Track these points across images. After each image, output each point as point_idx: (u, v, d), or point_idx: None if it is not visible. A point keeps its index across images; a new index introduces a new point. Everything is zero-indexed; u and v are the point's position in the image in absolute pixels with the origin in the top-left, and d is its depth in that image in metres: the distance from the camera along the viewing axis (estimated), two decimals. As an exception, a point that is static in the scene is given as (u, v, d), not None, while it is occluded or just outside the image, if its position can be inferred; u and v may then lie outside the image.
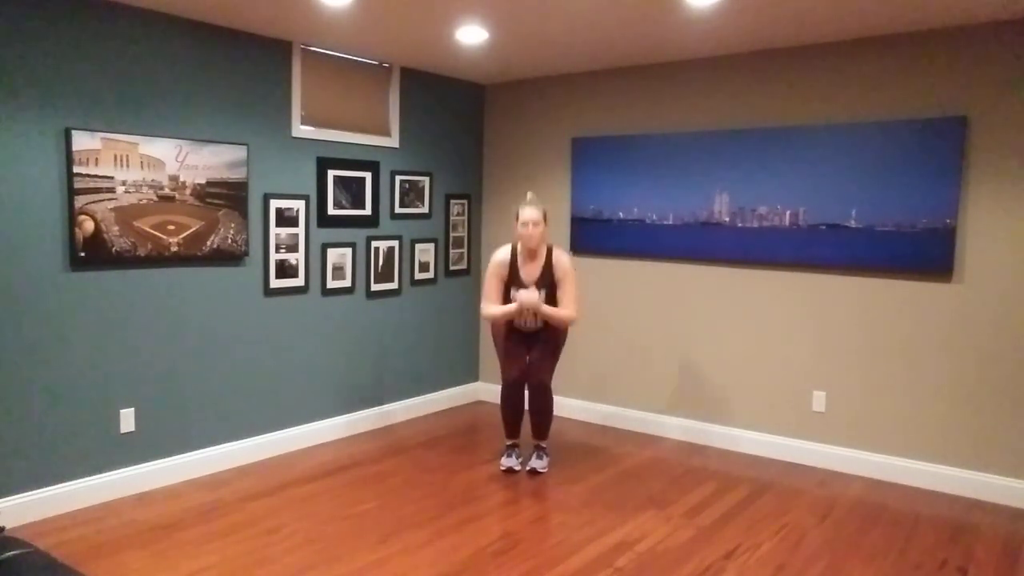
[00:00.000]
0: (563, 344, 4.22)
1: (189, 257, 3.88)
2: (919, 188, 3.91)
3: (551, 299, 4.07)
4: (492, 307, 4.09)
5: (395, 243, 5.04)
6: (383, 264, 4.98)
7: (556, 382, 5.24)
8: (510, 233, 5.53)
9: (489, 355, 5.73)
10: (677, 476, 4.16)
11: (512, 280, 4.10)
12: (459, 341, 5.63)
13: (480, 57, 4.67)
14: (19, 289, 3.34)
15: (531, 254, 4.07)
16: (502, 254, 4.14)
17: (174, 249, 3.81)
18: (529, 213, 4.00)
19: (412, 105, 5.09)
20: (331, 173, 4.59)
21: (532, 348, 4.18)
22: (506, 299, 4.15)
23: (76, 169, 3.41)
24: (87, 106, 3.49)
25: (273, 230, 4.29)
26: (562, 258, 4.09)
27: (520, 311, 4.01)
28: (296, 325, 4.48)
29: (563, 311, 4.01)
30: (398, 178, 5.03)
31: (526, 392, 4.17)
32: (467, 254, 5.62)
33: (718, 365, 4.68)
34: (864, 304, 4.16)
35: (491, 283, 4.12)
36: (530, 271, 4.07)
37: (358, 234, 4.80)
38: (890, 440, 4.12)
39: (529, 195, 4.09)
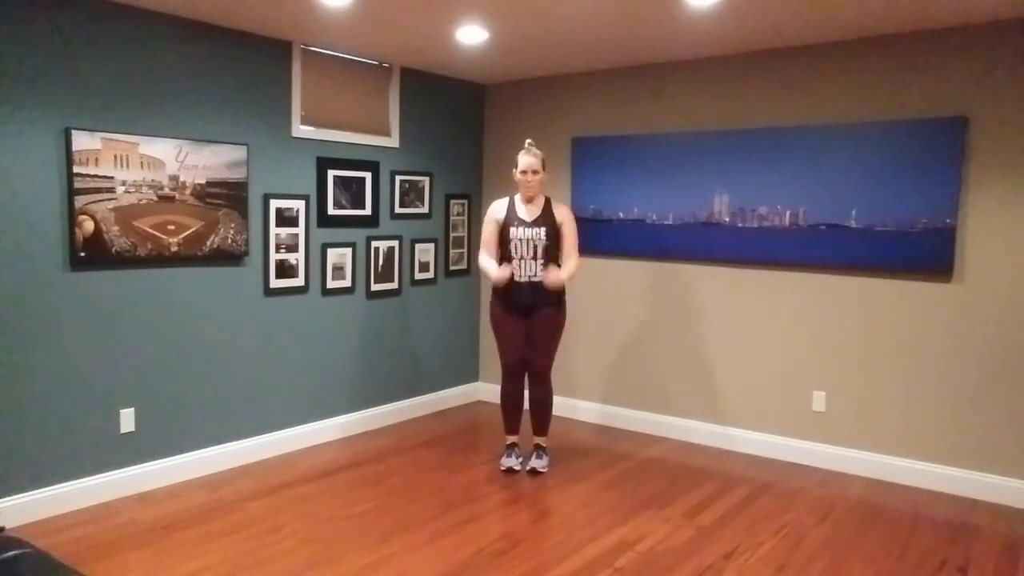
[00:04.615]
0: (562, 327, 4.12)
1: (189, 257, 3.88)
2: (919, 188, 3.91)
3: (551, 239, 4.03)
4: (486, 259, 4.08)
5: (395, 243, 5.04)
6: (383, 264, 4.98)
7: (557, 382, 5.24)
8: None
9: (489, 355, 5.73)
10: (677, 476, 4.16)
11: (510, 219, 4.05)
12: (459, 341, 5.63)
13: (480, 57, 4.67)
14: (19, 289, 3.34)
15: (529, 200, 4.07)
16: (499, 203, 4.15)
17: (174, 249, 3.81)
18: (528, 161, 3.98)
19: (412, 105, 5.09)
20: (331, 173, 4.59)
21: (530, 329, 4.07)
22: (503, 256, 4.08)
23: (76, 169, 3.41)
24: (87, 106, 3.49)
25: (273, 230, 4.29)
26: (563, 206, 4.12)
27: (506, 278, 3.94)
28: (296, 325, 4.48)
29: (568, 267, 4.00)
30: (398, 178, 5.03)
31: (526, 385, 4.16)
32: (467, 254, 5.62)
33: (718, 365, 4.68)
34: (864, 304, 4.16)
35: (487, 229, 4.12)
36: (530, 210, 4.06)
37: (358, 234, 4.80)
38: (890, 440, 4.12)
39: (528, 142, 4.07)
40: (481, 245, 4.16)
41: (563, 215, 4.08)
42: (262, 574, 2.97)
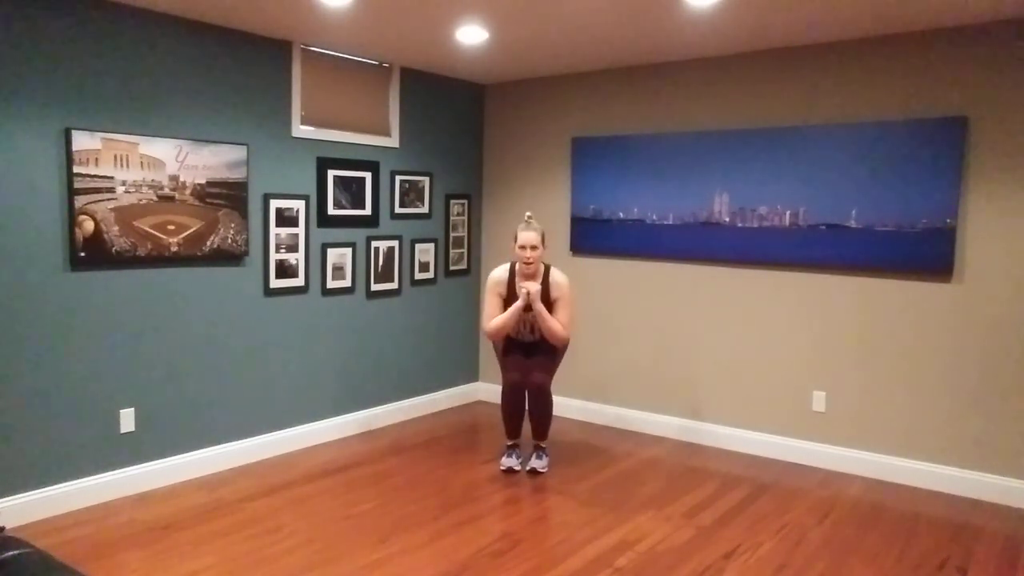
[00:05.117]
0: (563, 353, 4.25)
1: (189, 257, 3.88)
2: (919, 188, 3.91)
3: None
4: (495, 319, 4.09)
5: (395, 243, 5.04)
6: (383, 264, 4.98)
7: (556, 382, 5.24)
8: (510, 233, 5.53)
9: (489, 355, 5.73)
10: (677, 476, 4.16)
11: (510, 300, 4.11)
12: (459, 341, 5.63)
13: (480, 57, 4.67)
14: (19, 289, 3.34)
15: (529, 275, 4.08)
16: (500, 273, 4.16)
17: (174, 249, 3.81)
18: (527, 237, 3.99)
19: (412, 105, 5.09)
20: (331, 173, 4.59)
21: (532, 354, 4.20)
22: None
23: (76, 169, 3.41)
24: (87, 106, 3.49)
25: (273, 230, 4.29)
26: (559, 278, 4.10)
27: (525, 306, 3.99)
28: (296, 325, 4.48)
29: (555, 323, 4.02)
30: (398, 178, 5.03)
31: (526, 394, 4.18)
32: (467, 254, 5.62)
33: (718, 365, 4.68)
34: (864, 304, 4.16)
35: (491, 300, 4.13)
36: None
37: (358, 234, 4.80)
38: (890, 440, 4.12)
39: (527, 215, 4.09)
40: (485, 315, 4.14)
41: (559, 291, 4.07)
42: (262, 574, 2.97)
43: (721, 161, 4.54)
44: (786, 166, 4.31)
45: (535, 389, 4.07)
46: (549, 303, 4.07)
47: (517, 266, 4.12)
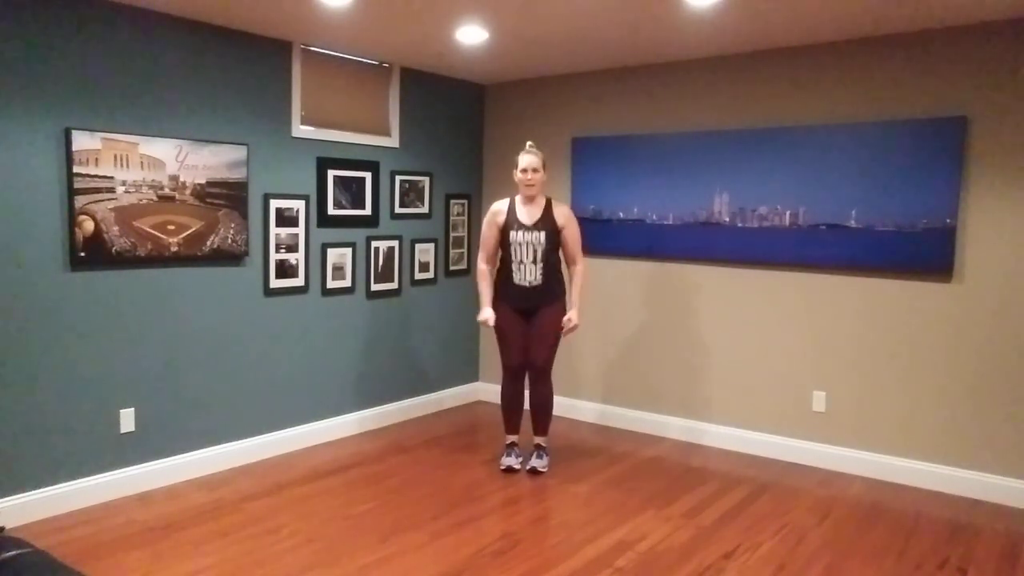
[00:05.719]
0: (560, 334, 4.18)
1: (189, 257, 3.88)
2: (919, 188, 3.91)
3: (552, 243, 4.03)
4: (483, 283, 4.14)
5: (395, 243, 5.04)
6: (383, 264, 4.98)
7: (557, 382, 5.24)
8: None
9: (489, 355, 5.73)
10: (677, 476, 4.16)
11: (510, 222, 4.05)
12: (459, 341, 5.63)
13: (480, 57, 4.67)
14: (19, 289, 3.34)
15: (530, 200, 4.06)
16: (500, 204, 4.14)
17: (174, 249, 3.81)
18: (529, 159, 3.98)
19: (412, 105, 5.09)
20: (331, 173, 4.59)
21: (531, 332, 4.10)
22: (502, 259, 4.13)
23: (76, 169, 3.41)
24: (87, 106, 3.49)
25: (273, 230, 4.29)
26: (562, 207, 4.10)
27: (488, 322, 4.06)
28: (296, 325, 4.48)
29: (578, 283, 4.08)
30: (398, 178, 5.03)
31: (526, 384, 4.16)
32: (467, 254, 5.62)
33: (718, 365, 4.68)
34: (864, 304, 4.16)
35: (487, 232, 4.14)
36: (531, 212, 4.04)
37: (358, 234, 4.80)
38: (890, 440, 4.12)
39: (528, 143, 4.08)
40: (480, 246, 4.17)
41: (564, 218, 4.07)
42: (262, 574, 2.97)
43: (721, 161, 4.54)
44: (786, 166, 4.32)
45: (536, 374, 4.07)
46: (557, 229, 4.05)
47: (518, 197, 4.10)
